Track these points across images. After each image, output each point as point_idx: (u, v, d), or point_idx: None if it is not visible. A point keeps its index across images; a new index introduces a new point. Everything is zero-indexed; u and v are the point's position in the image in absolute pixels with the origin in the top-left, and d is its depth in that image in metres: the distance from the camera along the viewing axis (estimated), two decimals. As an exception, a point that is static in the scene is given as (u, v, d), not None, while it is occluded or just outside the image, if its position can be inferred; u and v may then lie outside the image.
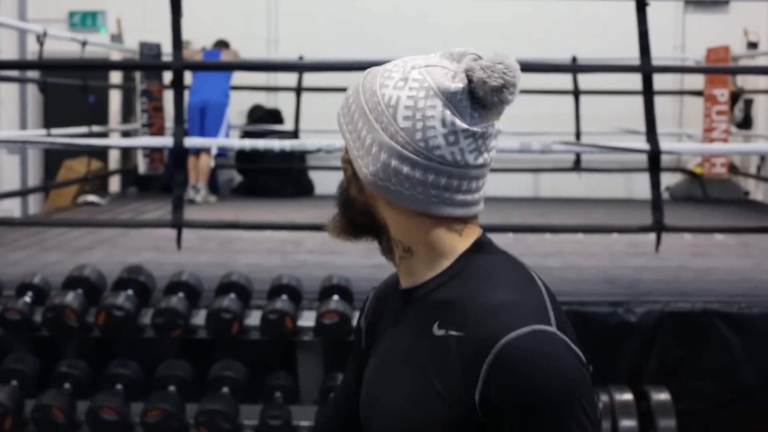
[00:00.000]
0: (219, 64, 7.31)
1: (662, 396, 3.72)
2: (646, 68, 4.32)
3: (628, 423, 3.66)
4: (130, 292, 3.79)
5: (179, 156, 4.51)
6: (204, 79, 7.44)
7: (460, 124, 1.18)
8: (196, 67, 6.85)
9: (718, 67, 7.31)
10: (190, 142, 4.72)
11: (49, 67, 6.81)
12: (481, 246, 1.25)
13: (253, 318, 3.76)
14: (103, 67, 7.69)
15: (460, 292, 1.19)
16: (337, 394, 1.48)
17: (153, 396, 3.68)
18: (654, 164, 4.35)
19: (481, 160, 1.21)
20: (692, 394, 3.84)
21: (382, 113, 1.19)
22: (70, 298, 3.73)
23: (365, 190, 1.25)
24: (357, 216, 1.28)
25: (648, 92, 4.33)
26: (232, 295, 3.78)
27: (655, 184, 4.35)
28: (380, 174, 1.20)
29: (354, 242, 1.31)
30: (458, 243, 1.24)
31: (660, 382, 3.80)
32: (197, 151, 7.36)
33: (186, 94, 7.47)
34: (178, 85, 4.45)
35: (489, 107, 1.19)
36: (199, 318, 3.76)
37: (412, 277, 1.25)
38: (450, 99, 1.17)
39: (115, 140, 7.45)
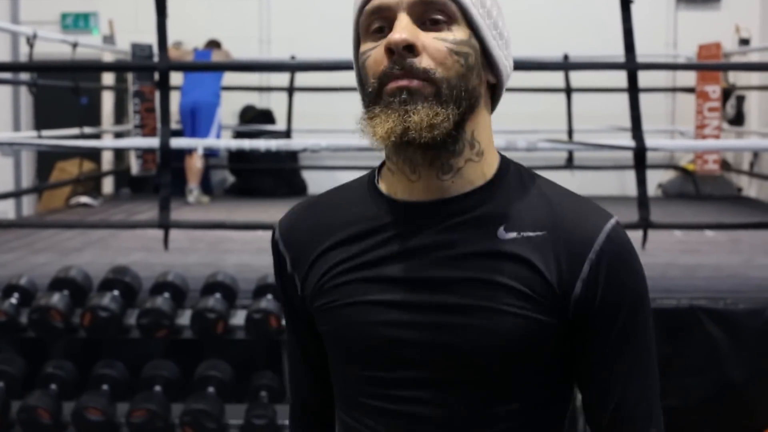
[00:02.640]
0: (207, 64, 7.29)
1: (648, 392, 3.71)
2: (631, 65, 4.33)
3: (613, 420, 3.66)
4: (115, 292, 3.80)
5: (166, 157, 4.51)
6: (194, 80, 7.44)
7: None
8: (181, 67, 6.84)
9: (703, 64, 7.30)
10: (177, 142, 4.71)
11: (39, 68, 6.80)
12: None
13: (238, 318, 3.77)
14: (89, 68, 7.67)
15: (516, 195, 1.14)
16: (302, 365, 1.30)
17: (138, 396, 3.69)
18: (640, 161, 4.35)
19: None
20: (678, 390, 3.84)
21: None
22: (56, 299, 3.73)
23: (481, 83, 1.13)
24: (466, 111, 1.10)
25: (633, 89, 4.34)
26: (217, 295, 3.78)
27: (641, 181, 4.35)
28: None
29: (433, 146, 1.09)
30: None
31: (646, 379, 3.80)
32: (189, 152, 7.36)
33: (178, 95, 7.50)
34: (163, 85, 4.45)
35: None
36: (185, 318, 3.77)
37: (466, 185, 1.12)
38: None
39: (104, 141, 7.44)
